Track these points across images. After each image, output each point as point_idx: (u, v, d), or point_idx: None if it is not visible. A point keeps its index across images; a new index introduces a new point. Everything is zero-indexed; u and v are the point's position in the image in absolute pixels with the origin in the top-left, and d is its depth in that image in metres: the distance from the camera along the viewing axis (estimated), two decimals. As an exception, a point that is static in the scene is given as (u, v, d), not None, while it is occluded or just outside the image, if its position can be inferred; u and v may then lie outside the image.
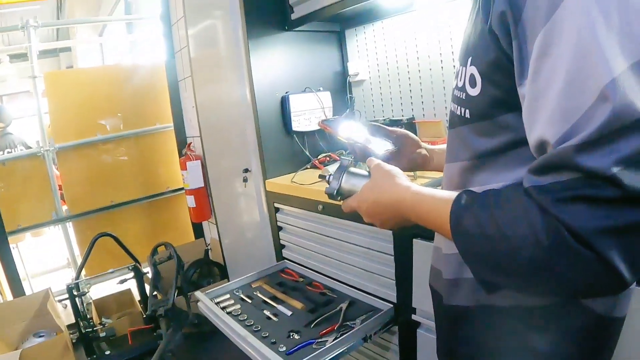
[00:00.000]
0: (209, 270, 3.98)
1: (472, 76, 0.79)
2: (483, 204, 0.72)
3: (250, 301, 2.19)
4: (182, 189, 4.29)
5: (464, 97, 0.84)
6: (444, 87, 2.34)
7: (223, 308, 2.13)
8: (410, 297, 1.80)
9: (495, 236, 0.67)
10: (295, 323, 1.94)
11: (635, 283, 0.64)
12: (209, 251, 4.13)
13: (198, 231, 4.43)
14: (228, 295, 2.27)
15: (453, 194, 0.78)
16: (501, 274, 0.71)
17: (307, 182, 2.29)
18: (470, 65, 0.79)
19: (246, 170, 2.74)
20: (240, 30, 2.49)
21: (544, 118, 0.63)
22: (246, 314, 2.06)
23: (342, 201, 1.08)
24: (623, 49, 0.56)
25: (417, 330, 1.82)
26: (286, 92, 2.58)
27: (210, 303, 2.16)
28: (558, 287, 0.65)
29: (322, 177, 1.13)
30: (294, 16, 2.49)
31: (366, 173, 1.05)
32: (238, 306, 2.15)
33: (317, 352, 1.65)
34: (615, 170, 0.55)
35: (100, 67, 5.02)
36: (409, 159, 1.31)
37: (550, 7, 0.61)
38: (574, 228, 0.58)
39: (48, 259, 5.86)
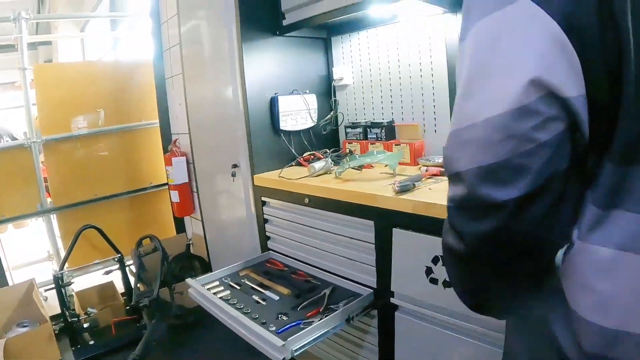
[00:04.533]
0: (191, 264, 4.06)
1: None
2: None
3: (238, 287, 2.33)
4: (165, 184, 4.38)
5: None
6: (422, 94, 2.50)
7: (214, 294, 2.27)
8: (389, 282, 1.96)
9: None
10: (282, 306, 2.09)
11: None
12: (191, 246, 4.23)
13: (179, 226, 4.51)
14: (217, 282, 2.41)
15: None
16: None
17: (293, 177, 2.44)
18: None
19: (235, 166, 2.87)
20: (235, 32, 2.62)
21: None
22: (236, 298, 2.20)
23: None
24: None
25: (395, 313, 1.97)
26: (275, 93, 2.72)
27: (202, 288, 2.29)
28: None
29: None
30: (285, 22, 2.63)
31: None
32: (228, 292, 2.29)
33: (304, 330, 1.81)
34: (449, 204, 0.76)
35: (89, 62, 5.09)
36: None
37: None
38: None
39: (28, 252, 5.87)
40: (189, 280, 2.37)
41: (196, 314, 3.64)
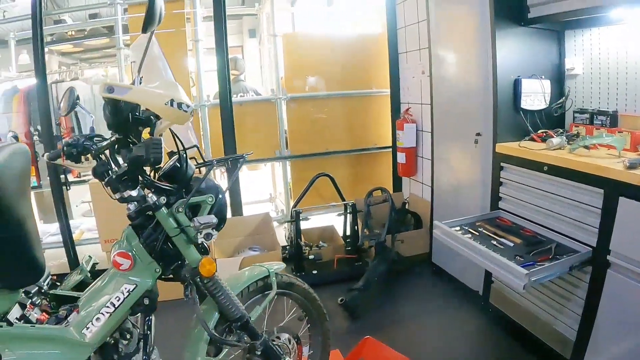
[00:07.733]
0: (405, 219, 4.64)
1: None
2: None
3: (477, 234, 2.85)
4: (387, 147, 5.03)
5: None
6: (646, 89, 2.80)
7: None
8: (608, 242, 2.33)
9: None
10: (517, 251, 2.58)
11: None
12: (407, 204, 4.78)
13: (396, 186, 5.11)
14: (458, 228, 2.94)
15: None
16: None
17: (534, 148, 2.86)
18: None
19: (478, 134, 3.36)
20: (490, 21, 3.11)
21: None
22: (477, 240, 2.71)
23: None
24: None
25: (608, 270, 2.34)
26: (518, 76, 3.16)
27: (449, 229, 2.85)
28: None
29: None
30: (530, 15, 3.05)
31: None
32: (469, 235, 2.82)
33: (540, 267, 2.31)
34: None
35: (328, 34, 5.75)
36: None
37: None
38: None
39: (254, 192, 6.66)
40: (436, 222, 2.94)
41: (409, 263, 4.23)
